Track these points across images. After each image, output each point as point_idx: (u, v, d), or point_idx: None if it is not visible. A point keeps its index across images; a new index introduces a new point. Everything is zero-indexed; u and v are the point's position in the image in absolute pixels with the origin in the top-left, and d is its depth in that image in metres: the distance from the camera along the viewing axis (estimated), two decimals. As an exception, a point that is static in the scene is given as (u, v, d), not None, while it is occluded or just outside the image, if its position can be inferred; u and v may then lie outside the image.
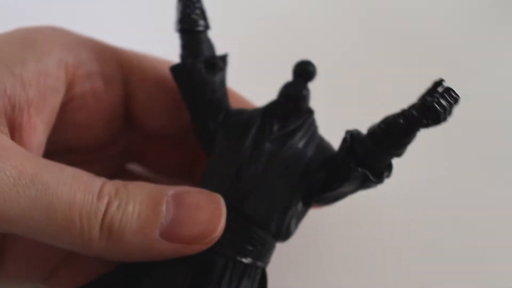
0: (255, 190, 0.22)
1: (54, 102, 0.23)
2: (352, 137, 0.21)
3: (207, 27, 0.24)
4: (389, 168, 0.21)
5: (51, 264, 0.27)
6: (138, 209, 0.20)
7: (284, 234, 0.23)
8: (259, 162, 0.22)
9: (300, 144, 0.23)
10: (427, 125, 0.18)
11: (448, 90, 0.18)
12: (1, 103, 0.21)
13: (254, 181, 0.22)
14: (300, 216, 0.24)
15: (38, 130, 0.22)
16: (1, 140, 0.19)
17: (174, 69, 0.24)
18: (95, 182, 0.20)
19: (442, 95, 0.18)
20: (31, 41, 0.22)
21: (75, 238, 0.19)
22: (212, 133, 0.24)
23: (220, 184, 0.22)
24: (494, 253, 0.30)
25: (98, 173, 0.21)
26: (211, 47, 0.24)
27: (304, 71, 0.23)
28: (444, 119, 0.18)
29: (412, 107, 0.19)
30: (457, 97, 0.18)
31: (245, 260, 0.22)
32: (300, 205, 0.23)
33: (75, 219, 0.19)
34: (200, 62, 0.23)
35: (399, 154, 0.20)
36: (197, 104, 0.24)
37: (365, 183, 0.21)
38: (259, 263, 0.22)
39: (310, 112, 0.24)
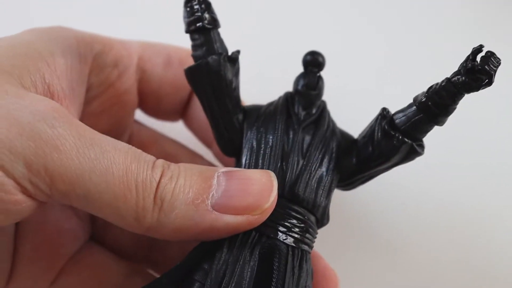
0: (301, 177, 0.23)
1: (81, 94, 0.24)
2: (389, 112, 0.23)
3: (218, 24, 0.24)
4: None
5: (59, 265, 0.26)
6: (189, 181, 0.20)
7: (326, 219, 0.24)
8: (299, 152, 0.23)
9: (328, 131, 0.24)
10: (478, 88, 0.20)
11: (491, 53, 0.19)
12: (42, 88, 0.21)
13: (299, 169, 0.23)
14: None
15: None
16: (59, 107, 0.19)
17: (192, 70, 0.23)
18: (148, 155, 0.20)
19: (487, 58, 0.19)
20: (54, 37, 0.23)
21: (129, 207, 0.19)
22: (238, 131, 0.24)
23: None
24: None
25: None
26: (223, 43, 0.24)
27: (315, 62, 0.25)
28: (493, 78, 0.20)
29: (458, 73, 0.20)
30: (499, 59, 0.20)
31: (304, 247, 0.22)
32: (333, 188, 0.24)
33: (131, 185, 0.19)
34: (224, 57, 0.23)
35: (443, 121, 0.22)
36: (222, 102, 0.24)
37: (409, 157, 0.23)
38: (310, 249, 0.23)
39: (323, 100, 0.25)
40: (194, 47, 0.24)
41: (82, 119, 0.25)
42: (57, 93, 0.22)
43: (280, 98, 0.25)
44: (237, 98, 0.24)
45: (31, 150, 0.18)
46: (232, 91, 0.24)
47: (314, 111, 0.24)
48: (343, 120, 0.26)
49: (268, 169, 0.23)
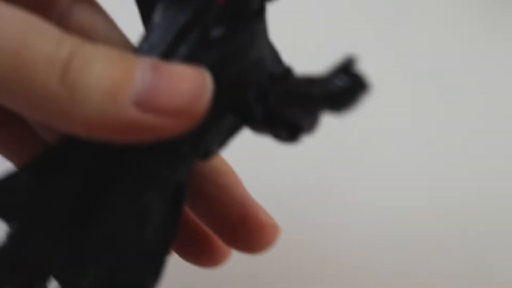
0: None
1: None
2: (271, 81, 0.18)
3: None
4: (310, 125, 0.17)
5: None
6: (109, 69, 0.16)
7: (203, 155, 0.20)
8: None
9: (239, 51, 0.18)
10: (329, 111, 0.15)
11: (359, 76, 0.14)
12: None
13: None
14: (229, 133, 0.20)
15: None
16: None
17: None
18: (53, 29, 0.16)
19: (351, 80, 0.14)
20: None
21: (27, 89, 0.15)
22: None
23: None
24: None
25: None
26: None
27: None
28: (349, 109, 0.15)
29: (319, 83, 0.15)
30: (366, 84, 0.14)
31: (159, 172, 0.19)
32: (226, 121, 0.19)
33: (26, 62, 0.15)
34: None
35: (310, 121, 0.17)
36: None
37: (276, 138, 0.18)
38: (175, 176, 0.19)
39: (260, 12, 0.19)
40: None
41: None
42: None
43: None
44: None
45: None
46: None
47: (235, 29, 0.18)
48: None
49: None
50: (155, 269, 0.19)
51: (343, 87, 0.14)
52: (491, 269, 0.31)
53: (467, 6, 0.42)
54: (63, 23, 0.22)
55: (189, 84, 0.17)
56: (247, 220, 0.23)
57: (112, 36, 0.23)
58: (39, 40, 0.15)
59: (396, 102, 0.36)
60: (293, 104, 0.16)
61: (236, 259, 0.25)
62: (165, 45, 0.18)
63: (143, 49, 0.19)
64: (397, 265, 0.31)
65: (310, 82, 0.15)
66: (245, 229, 0.23)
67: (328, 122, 0.18)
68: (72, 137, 0.19)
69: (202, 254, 0.25)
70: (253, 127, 0.18)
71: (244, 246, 0.24)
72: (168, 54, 0.18)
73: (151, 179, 0.19)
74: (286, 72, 0.18)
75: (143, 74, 0.16)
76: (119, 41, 0.24)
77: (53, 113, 0.16)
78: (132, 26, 0.23)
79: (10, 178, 0.18)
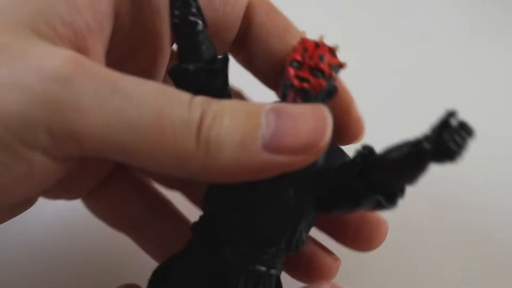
0: (265, 208, 0.21)
1: (109, 28, 0.21)
2: (363, 158, 0.20)
3: (205, 25, 0.22)
4: (402, 190, 0.20)
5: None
6: (236, 121, 0.18)
7: (295, 247, 0.22)
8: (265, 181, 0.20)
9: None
10: (441, 162, 0.16)
11: (463, 125, 0.16)
12: (63, 30, 0.19)
13: (263, 198, 0.21)
14: (310, 225, 0.23)
15: (102, 58, 0.21)
16: (72, 56, 0.18)
17: (173, 73, 0.22)
18: (183, 94, 0.18)
19: (456, 130, 0.16)
20: None
21: (168, 153, 0.17)
22: None
23: (226, 202, 0.22)
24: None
25: None
26: (210, 46, 0.22)
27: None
28: (460, 156, 0.16)
29: (426, 139, 0.16)
30: (471, 131, 0.16)
31: (259, 268, 0.22)
32: (310, 216, 0.22)
33: (166, 130, 0.17)
34: (200, 68, 0.22)
35: (411, 183, 0.19)
36: None
37: (377, 207, 0.20)
38: (273, 271, 0.22)
39: None
40: (180, 47, 0.22)
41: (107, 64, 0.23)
42: (80, 31, 0.20)
43: None
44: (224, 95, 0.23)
45: (49, 118, 0.16)
46: (218, 92, 0.22)
47: None
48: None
49: (228, 198, 0.22)
50: None
51: (455, 136, 0.16)
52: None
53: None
54: None
55: (310, 124, 0.19)
56: (367, 219, 0.25)
57: None
58: (174, 106, 0.18)
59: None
60: (398, 168, 0.18)
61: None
62: None
63: None
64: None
65: (413, 143, 0.17)
66: (366, 228, 0.25)
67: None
68: (189, 247, 0.23)
69: (313, 273, 0.26)
70: (359, 205, 0.20)
71: (366, 244, 0.26)
72: None
73: (259, 279, 0.22)
74: (370, 149, 0.20)
75: (267, 120, 0.18)
76: None
77: (192, 168, 0.18)
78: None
79: None
